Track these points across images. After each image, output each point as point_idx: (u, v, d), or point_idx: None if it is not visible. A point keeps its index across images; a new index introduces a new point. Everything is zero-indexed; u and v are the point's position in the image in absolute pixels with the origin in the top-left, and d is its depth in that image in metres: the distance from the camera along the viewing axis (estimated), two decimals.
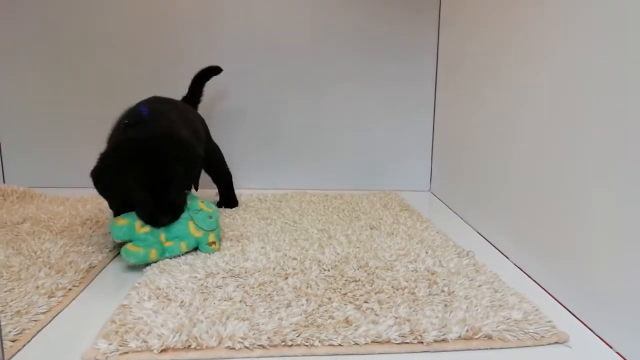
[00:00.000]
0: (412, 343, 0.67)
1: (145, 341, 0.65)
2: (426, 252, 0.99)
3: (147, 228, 0.96)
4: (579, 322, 0.76)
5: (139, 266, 0.93)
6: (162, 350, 0.64)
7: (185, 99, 1.40)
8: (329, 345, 0.66)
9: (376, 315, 0.73)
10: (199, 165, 1.07)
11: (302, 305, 0.75)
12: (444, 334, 0.68)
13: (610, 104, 0.71)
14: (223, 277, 0.86)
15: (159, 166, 0.93)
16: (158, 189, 0.94)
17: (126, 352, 0.63)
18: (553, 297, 0.84)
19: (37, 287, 0.81)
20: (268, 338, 0.66)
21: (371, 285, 0.83)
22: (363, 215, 1.29)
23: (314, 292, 0.81)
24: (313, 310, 0.74)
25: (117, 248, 1.00)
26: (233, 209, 1.36)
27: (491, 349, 0.68)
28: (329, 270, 0.90)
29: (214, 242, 0.99)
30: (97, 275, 0.92)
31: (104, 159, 0.96)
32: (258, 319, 0.71)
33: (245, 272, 0.88)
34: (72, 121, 1.59)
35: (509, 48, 1.06)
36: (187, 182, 1.04)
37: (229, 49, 1.56)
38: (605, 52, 0.73)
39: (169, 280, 0.84)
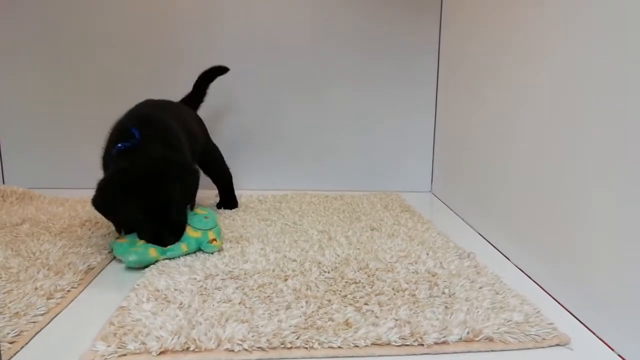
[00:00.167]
0: (412, 345, 0.67)
1: (143, 343, 0.64)
2: (427, 254, 0.99)
3: None
4: (581, 324, 0.75)
5: (138, 267, 0.92)
6: (161, 353, 0.63)
7: (186, 98, 1.40)
8: (329, 347, 0.66)
9: (376, 317, 0.73)
10: (197, 183, 1.07)
11: (302, 307, 0.75)
12: (444, 336, 0.68)
13: (610, 104, 0.71)
14: (222, 279, 0.86)
15: (159, 191, 0.94)
16: (160, 213, 0.95)
17: (124, 354, 0.63)
18: (554, 299, 0.84)
19: (36, 289, 0.80)
20: (267, 340, 0.66)
21: (371, 287, 0.83)
22: (363, 216, 1.28)
23: (314, 294, 0.80)
24: (313, 312, 0.74)
25: None
26: (233, 210, 1.35)
27: (492, 351, 0.67)
28: (329, 272, 0.89)
29: (214, 239, 0.99)
30: (96, 276, 0.91)
31: (103, 188, 0.96)
32: (257, 321, 0.71)
33: (245, 274, 0.88)
34: (72, 122, 1.59)
35: (509, 48, 1.06)
36: (189, 198, 1.04)
37: (229, 49, 1.56)
38: (605, 52, 0.73)
39: (168, 282, 0.84)
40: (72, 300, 0.81)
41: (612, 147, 0.70)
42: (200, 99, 1.42)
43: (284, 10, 1.56)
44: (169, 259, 0.95)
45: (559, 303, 0.82)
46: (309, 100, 1.61)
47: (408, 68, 1.61)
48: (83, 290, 0.85)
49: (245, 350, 0.64)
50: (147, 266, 0.92)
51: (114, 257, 1.00)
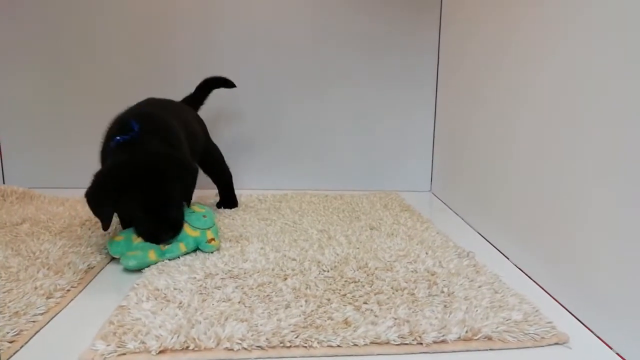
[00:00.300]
0: (411, 344, 0.67)
1: (143, 342, 0.64)
2: (426, 253, 0.99)
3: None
4: (579, 323, 0.76)
5: (133, 269, 0.92)
6: (160, 352, 0.63)
7: (188, 99, 1.40)
8: (328, 346, 0.66)
9: (375, 316, 0.73)
10: (195, 180, 1.06)
11: (301, 306, 0.75)
12: (443, 335, 0.68)
13: (610, 104, 0.71)
14: (222, 278, 0.86)
15: (157, 186, 0.94)
16: (157, 208, 0.94)
17: (124, 354, 0.63)
18: (553, 298, 0.84)
19: (36, 288, 0.80)
20: (266, 339, 0.66)
21: (371, 286, 0.83)
22: (363, 215, 1.28)
23: (313, 293, 0.80)
24: (312, 311, 0.74)
25: None
26: (233, 209, 1.35)
27: (491, 350, 0.67)
28: (328, 271, 0.89)
29: (213, 239, 0.99)
30: (96, 276, 0.92)
31: (99, 180, 0.95)
32: (257, 320, 0.71)
33: (244, 273, 0.88)
34: (72, 122, 1.59)
35: (509, 48, 1.06)
36: (187, 196, 1.04)
37: (229, 49, 1.56)
38: (605, 52, 0.73)
39: (168, 281, 0.84)
40: (71, 300, 0.81)
41: (612, 147, 0.70)
42: (200, 101, 1.43)
43: (283, 11, 1.57)
44: (169, 259, 0.95)
45: (557, 302, 0.82)
46: (309, 100, 1.62)
47: (408, 68, 1.61)
48: (83, 289, 0.85)
49: (245, 349, 0.65)
50: (147, 267, 0.92)
51: (114, 257, 1.00)
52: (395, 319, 0.72)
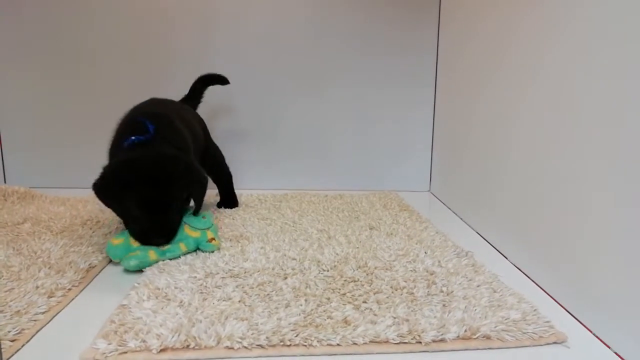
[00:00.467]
0: (410, 343, 0.67)
1: (144, 341, 0.65)
2: (425, 252, 0.99)
3: None
4: (577, 322, 0.76)
5: (135, 269, 0.93)
6: (161, 350, 0.64)
7: (185, 99, 1.40)
8: (328, 345, 0.66)
9: (375, 315, 0.73)
10: (205, 188, 1.06)
11: (301, 305, 0.76)
12: (442, 334, 0.68)
13: (610, 104, 0.71)
14: (222, 277, 0.86)
15: (159, 188, 0.93)
16: (156, 210, 0.94)
17: (125, 352, 0.63)
18: (551, 297, 0.84)
19: (37, 287, 0.81)
20: (267, 338, 0.66)
21: (370, 286, 0.84)
22: (362, 215, 1.29)
23: (313, 292, 0.81)
24: (312, 310, 0.74)
25: None
26: (233, 209, 1.36)
27: (489, 349, 0.68)
28: (328, 271, 0.90)
29: (213, 239, 1.00)
30: (97, 275, 0.92)
31: (107, 174, 0.95)
32: (257, 319, 0.71)
33: (245, 272, 0.89)
34: (73, 122, 1.59)
35: (508, 47, 1.06)
36: (197, 204, 1.04)
37: (229, 49, 1.57)
38: (605, 52, 0.73)
39: (169, 280, 0.84)
40: (73, 299, 0.81)
41: (612, 147, 0.71)
42: (198, 100, 1.43)
43: (283, 11, 1.57)
44: (169, 259, 0.96)
45: (556, 301, 0.83)
46: (309, 100, 1.62)
47: (407, 67, 1.61)
48: (84, 288, 0.86)
49: (245, 347, 0.65)
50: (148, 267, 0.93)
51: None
52: (395, 318, 0.72)
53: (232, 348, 0.65)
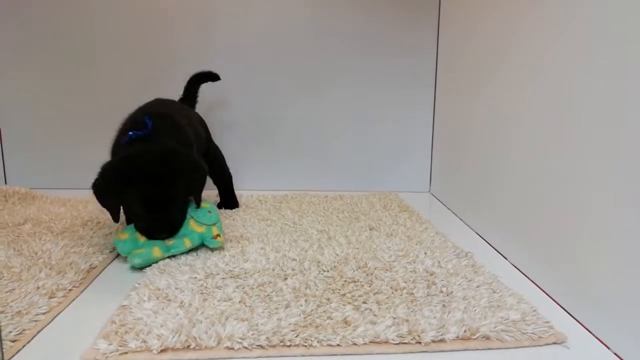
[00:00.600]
0: (410, 343, 0.67)
1: (144, 341, 0.65)
2: (425, 253, 0.99)
3: None
4: (577, 323, 0.76)
5: (140, 267, 0.93)
6: (162, 351, 0.64)
7: (182, 100, 1.40)
8: (328, 345, 0.66)
9: (375, 315, 0.73)
10: (204, 180, 1.06)
11: (301, 305, 0.76)
12: (442, 335, 0.68)
13: (610, 104, 0.72)
14: (223, 278, 0.86)
15: (160, 183, 0.93)
16: (158, 206, 0.94)
17: (126, 353, 0.64)
18: (551, 297, 0.85)
19: (38, 288, 0.81)
20: (267, 338, 0.66)
21: (370, 286, 0.84)
22: (363, 216, 1.29)
23: (313, 292, 0.81)
24: (312, 310, 0.74)
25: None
26: (233, 210, 1.36)
27: (489, 349, 0.68)
28: (328, 271, 0.90)
29: (218, 235, 1.00)
30: (98, 276, 0.92)
31: (106, 172, 0.96)
32: (257, 319, 0.71)
33: (245, 273, 0.89)
34: (73, 122, 1.59)
35: (508, 47, 1.07)
36: (196, 196, 1.04)
37: (229, 49, 1.57)
38: (605, 52, 0.73)
39: (169, 281, 0.84)
40: (73, 299, 0.81)
41: (612, 147, 0.71)
42: (194, 100, 1.43)
43: (283, 11, 1.57)
44: (173, 256, 0.96)
45: (555, 302, 0.83)
46: (309, 101, 1.62)
47: (406, 67, 1.61)
48: (85, 289, 0.86)
49: (245, 348, 0.65)
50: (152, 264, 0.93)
51: (116, 257, 1.00)
52: (394, 318, 0.72)
53: (233, 348, 0.65)
